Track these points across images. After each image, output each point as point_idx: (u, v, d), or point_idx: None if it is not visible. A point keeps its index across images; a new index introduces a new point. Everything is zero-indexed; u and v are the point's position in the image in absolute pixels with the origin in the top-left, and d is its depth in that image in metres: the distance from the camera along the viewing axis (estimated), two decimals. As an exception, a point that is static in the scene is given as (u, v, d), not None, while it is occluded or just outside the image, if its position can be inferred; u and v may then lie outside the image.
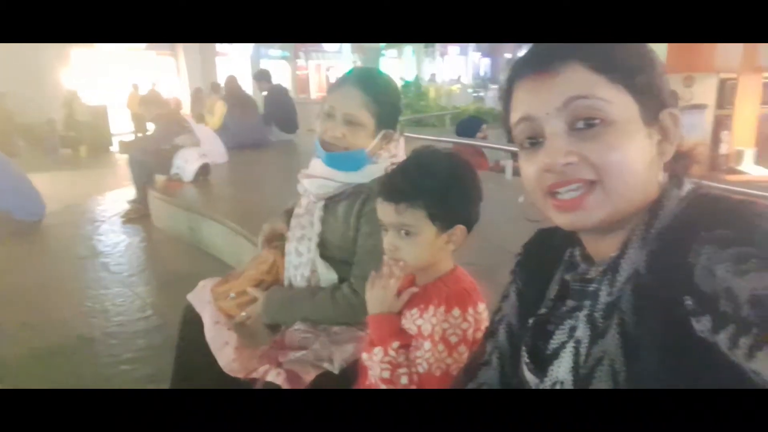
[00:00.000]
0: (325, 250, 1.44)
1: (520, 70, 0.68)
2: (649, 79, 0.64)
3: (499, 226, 2.66)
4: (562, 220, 0.66)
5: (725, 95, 6.05)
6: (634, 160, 0.63)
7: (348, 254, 1.42)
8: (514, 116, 0.69)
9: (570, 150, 0.63)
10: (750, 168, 5.43)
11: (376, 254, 1.32)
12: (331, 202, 1.44)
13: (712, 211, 0.60)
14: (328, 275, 1.43)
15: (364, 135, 1.37)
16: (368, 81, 1.39)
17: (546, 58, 0.65)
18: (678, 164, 0.68)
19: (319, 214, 1.43)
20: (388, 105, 1.39)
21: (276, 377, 1.30)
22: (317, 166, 1.48)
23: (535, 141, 0.67)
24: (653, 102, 0.65)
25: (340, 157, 1.39)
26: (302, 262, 1.44)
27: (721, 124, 5.92)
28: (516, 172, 4.71)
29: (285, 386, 1.28)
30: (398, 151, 1.47)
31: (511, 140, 0.73)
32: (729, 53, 5.61)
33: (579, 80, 0.63)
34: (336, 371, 1.33)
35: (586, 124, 0.62)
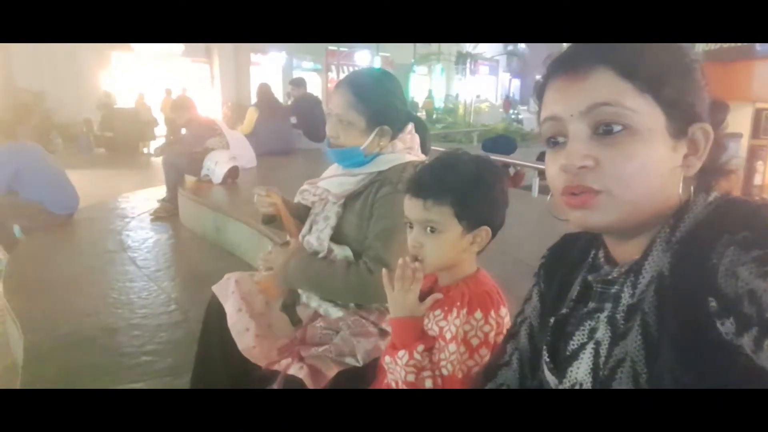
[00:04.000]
0: (344, 243, 1.47)
1: (553, 70, 0.69)
2: (680, 91, 0.64)
3: (523, 241, 2.66)
4: (573, 216, 0.67)
5: (761, 125, 5.93)
6: (650, 171, 0.63)
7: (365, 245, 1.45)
8: (543, 114, 0.70)
9: (587, 154, 0.63)
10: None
11: (387, 236, 1.37)
12: (350, 200, 1.48)
13: (735, 214, 0.60)
14: (343, 254, 1.46)
15: (356, 134, 1.44)
16: (356, 83, 1.48)
17: (577, 60, 0.65)
18: (709, 177, 0.67)
19: (337, 210, 1.48)
20: (377, 103, 1.44)
21: (299, 371, 1.32)
22: (333, 168, 1.57)
23: (558, 141, 0.68)
24: (682, 115, 0.64)
25: (339, 153, 1.49)
26: (317, 252, 1.48)
27: (755, 154, 5.79)
28: (542, 190, 4.70)
29: (307, 380, 1.30)
30: (414, 143, 1.52)
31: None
32: (766, 82, 5.51)
33: (606, 86, 0.63)
34: (360, 364, 1.35)
35: (607, 130, 0.63)
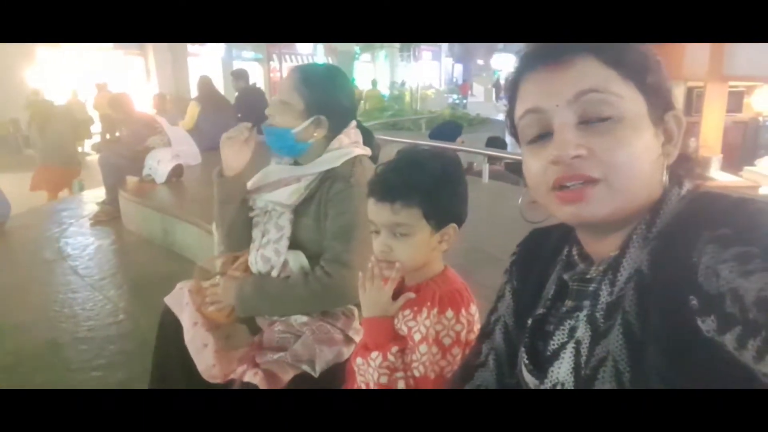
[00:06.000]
0: (302, 249, 1.42)
1: (529, 63, 0.67)
2: (658, 79, 0.64)
3: (476, 228, 2.68)
4: (565, 212, 0.65)
5: (692, 103, 6.24)
6: (641, 158, 0.62)
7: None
8: (520, 109, 0.68)
9: (579, 143, 0.62)
10: (716, 174, 5.60)
11: (344, 235, 1.34)
12: (301, 205, 1.42)
13: (712, 209, 0.59)
14: (298, 264, 1.41)
15: (291, 116, 1.40)
16: (306, 69, 1.46)
17: (559, 50, 0.64)
18: (681, 167, 0.67)
19: (290, 217, 1.42)
20: (320, 91, 1.41)
21: (253, 377, 1.29)
22: (275, 170, 1.48)
23: (542, 134, 0.66)
24: (660, 103, 0.64)
25: (270, 132, 1.44)
26: (273, 266, 1.42)
27: (688, 131, 6.07)
28: (492, 176, 4.75)
29: (262, 385, 1.27)
30: (358, 138, 1.49)
31: (513, 134, 0.72)
32: (696, 62, 5.78)
33: (592, 74, 0.62)
34: (315, 375, 1.32)
35: (596, 118, 0.62)
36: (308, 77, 1.41)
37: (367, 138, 1.54)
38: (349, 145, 1.45)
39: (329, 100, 1.41)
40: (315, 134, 1.41)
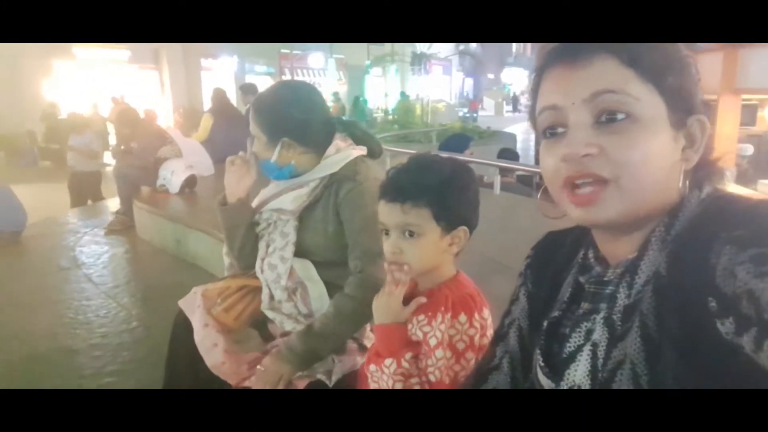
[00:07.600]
0: (309, 256, 1.43)
1: (550, 60, 0.67)
2: (681, 81, 0.63)
3: (488, 238, 2.67)
4: (576, 214, 0.65)
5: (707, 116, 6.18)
6: (654, 161, 0.62)
7: (334, 253, 1.41)
8: (540, 104, 0.69)
9: (591, 142, 0.62)
10: (730, 188, 5.55)
11: (369, 227, 1.31)
12: (305, 211, 1.43)
13: (730, 211, 0.59)
14: (306, 272, 1.42)
15: (263, 148, 1.44)
16: (258, 98, 1.51)
17: (578, 49, 0.64)
18: (703, 171, 0.66)
19: (294, 224, 1.43)
20: (271, 116, 1.42)
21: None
22: (277, 184, 1.51)
23: (557, 131, 0.66)
24: (682, 106, 0.64)
25: (261, 166, 1.48)
26: (280, 274, 1.42)
27: (712, 137, 6.04)
28: (503, 188, 4.75)
29: None
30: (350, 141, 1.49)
31: (535, 129, 0.73)
32: (709, 75, 5.76)
33: (610, 73, 0.62)
34: (330, 385, 1.32)
35: (610, 118, 0.62)
36: (258, 107, 1.44)
37: (364, 137, 1.53)
38: (346, 148, 1.45)
39: (282, 121, 1.41)
40: (290, 155, 1.42)
